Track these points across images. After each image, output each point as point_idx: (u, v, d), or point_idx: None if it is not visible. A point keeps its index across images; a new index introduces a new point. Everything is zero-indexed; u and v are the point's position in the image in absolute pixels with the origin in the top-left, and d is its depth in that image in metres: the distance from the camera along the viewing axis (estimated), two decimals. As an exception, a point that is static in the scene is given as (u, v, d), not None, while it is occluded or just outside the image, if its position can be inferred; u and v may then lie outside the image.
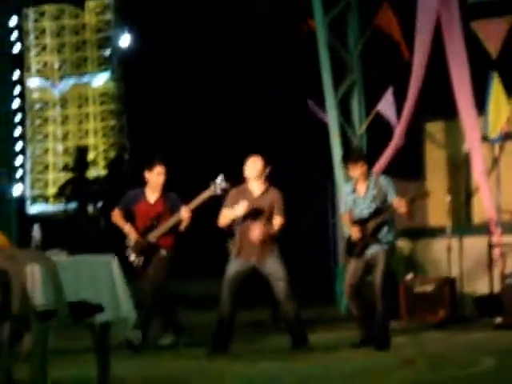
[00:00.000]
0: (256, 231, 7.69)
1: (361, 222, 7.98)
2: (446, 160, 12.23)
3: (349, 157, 8.25)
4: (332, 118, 11.75)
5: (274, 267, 7.79)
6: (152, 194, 8.43)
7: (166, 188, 8.46)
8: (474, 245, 11.10)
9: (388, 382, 6.07)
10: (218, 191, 8.09)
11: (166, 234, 8.31)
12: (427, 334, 8.99)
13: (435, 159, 12.26)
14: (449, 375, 6.32)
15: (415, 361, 6.92)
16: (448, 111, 11.38)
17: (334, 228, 12.79)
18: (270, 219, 7.80)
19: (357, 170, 7.98)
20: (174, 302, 8.66)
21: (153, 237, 8.30)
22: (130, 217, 8.47)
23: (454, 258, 10.83)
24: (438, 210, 11.65)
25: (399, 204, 7.77)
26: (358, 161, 7.99)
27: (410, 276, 10.60)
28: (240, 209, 7.71)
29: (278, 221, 7.77)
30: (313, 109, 11.96)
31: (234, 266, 7.86)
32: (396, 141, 11.19)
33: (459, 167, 11.99)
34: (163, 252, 8.30)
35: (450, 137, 12.14)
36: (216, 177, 8.13)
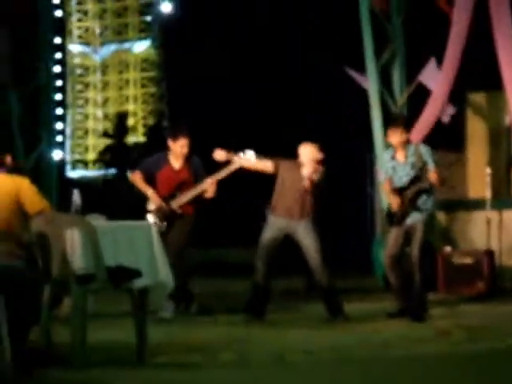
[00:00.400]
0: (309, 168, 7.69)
1: (400, 190, 7.95)
2: (487, 131, 12.10)
3: (390, 122, 8.22)
4: (372, 86, 11.66)
5: (308, 235, 7.81)
6: (176, 161, 8.34)
7: (192, 154, 8.37)
8: (514, 218, 11.01)
9: (424, 352, 6.05)
10: (246, 165, 8.05)
11: (189, 202, 8.29)
12: (465, 307, 8.95)
13: (476, 130, 12.14)
14: (486, 347, 6.29)
15: (452, 332, 6.90)
16: (491, 82, 11.24)
17: (372, 199, 12.76)
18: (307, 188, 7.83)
19: (397, 137, 7.93)
20: (192, 271, 8.59)
21: (176, 204, 8.24)
22: (150, 181, 8.37)
23: (494, 231, 10.76)
24: (477, 182, 11.55)
25: (432, 176, 7.76)
26: (398, 127, 7.95)
27: (448, 248, 10.55)
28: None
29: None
30: (351, 74, 11.87)
31: (269, 231, 7.89)
32: (438, 111, 11.08)
33: (501, 139, 11.87)
34: (185, 219, 8.22)
35: (493, 108, 12.01)
36: (245, 149, 8.09)
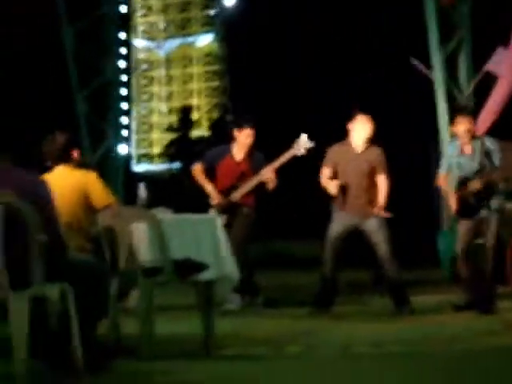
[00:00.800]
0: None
1: (464, 182, 7.75)
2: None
3: (457, 110, 8.03)
4: (438, 76, 11.55)
5: (377, 227, 7.76)
6: (239, 152, 8.39)
7: (256, 147, 8.43)
8: None
9: (491, 346, 5.97)
10: (302, 151, 8.09)
11: (249, 193, 8.31)
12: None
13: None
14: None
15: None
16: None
17: (438, 190, 12.61)
18: (370, 177, 7.75)
19: (464, 125, 7.65)
20: (254, 262, 8.56)
21: (235, 196, 8.28)
22: (212, 173, 8.43)
23: None
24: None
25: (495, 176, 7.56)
26: (466, 115, 7.74)
27: (516, 239, 10.38)
28: (331, 189, 7.69)
29: (382, 180, 7.69)
30: (416, 65, 11.75)
31: (336, 225, 7.86)
32: (507, 95, 10.90)
33: None
34: (246, 210, 8.28)
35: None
36: (300, 136, 8.13)
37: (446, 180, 7.94)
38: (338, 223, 7.87)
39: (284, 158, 8.20)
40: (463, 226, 7.89)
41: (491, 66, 11.29)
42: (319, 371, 5.04)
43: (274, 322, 7.29)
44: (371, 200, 7.78)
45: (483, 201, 7.68)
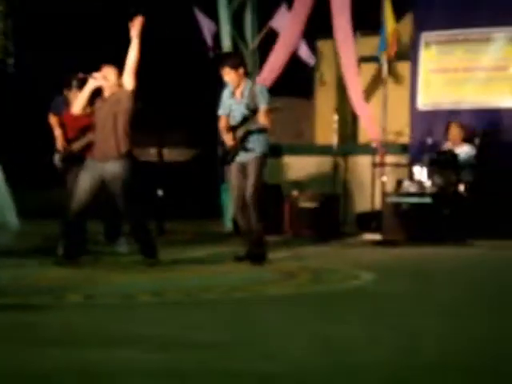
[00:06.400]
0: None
1: (233, 128, 7.82)
2: (335, 79, 12.34)
3: (225, 60, 7.98)
4: (224, 31, 11.65)
5: (114, 171, 7.41)
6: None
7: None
8: (359, 163, 11.36)
9: (268, 293, 6.19)
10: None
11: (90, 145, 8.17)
12: (309, 249, 9.19)
13: (325, 78, 12.36)
14: (328, 288, 6.50)
15: (296, 274, 7.08)
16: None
17: (222, 143, 12.80)
18: (116, 119, 7.45)
19: (231, 75, 7.75)
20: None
21: (75, 147, 8.23)
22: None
23: (339, 176, 11.07)
24: (325, 129, 11.81)
25: (260, 118, 7.63)
26: (225, 65, 7.76)
27: (295, 192, 10.76)
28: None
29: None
30: (200, 17, 11.66)
31: (85, 173, 7.51)
32: (286, 56, 11.24)
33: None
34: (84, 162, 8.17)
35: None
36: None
37: (225, 122, 7.95)
38: (87, 171, 7.48)
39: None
40: (232, 176, 7.88)
41: (275, 22, 11.53)
42: (102, 320, 5.04)
43: (56, 271, 7.18)
44: (117, 144, 7.46)
45: (243, 146, 7.74)
